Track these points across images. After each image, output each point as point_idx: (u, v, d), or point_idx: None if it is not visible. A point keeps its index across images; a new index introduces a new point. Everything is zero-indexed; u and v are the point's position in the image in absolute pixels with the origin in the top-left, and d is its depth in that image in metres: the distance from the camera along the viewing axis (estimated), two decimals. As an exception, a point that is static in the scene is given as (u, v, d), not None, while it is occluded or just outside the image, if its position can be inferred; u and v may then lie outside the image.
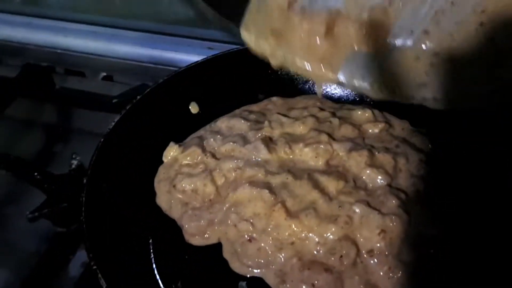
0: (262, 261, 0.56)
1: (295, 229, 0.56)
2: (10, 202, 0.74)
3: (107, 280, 0.48)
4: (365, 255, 0.54)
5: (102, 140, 0.61)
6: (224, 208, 0.60)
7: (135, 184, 0.63)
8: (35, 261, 0.65)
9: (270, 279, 0.55)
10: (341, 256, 0.54)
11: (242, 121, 0.69)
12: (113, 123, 0.63)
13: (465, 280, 0.53)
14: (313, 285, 0.53)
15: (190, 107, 0.73)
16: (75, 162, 0.70)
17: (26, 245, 0.69)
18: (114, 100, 0.80)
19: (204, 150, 0.66)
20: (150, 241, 0.60)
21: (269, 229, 0.57)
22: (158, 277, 0.57)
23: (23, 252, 0.68)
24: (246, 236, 0.57)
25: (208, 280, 0.56)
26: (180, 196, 0.63)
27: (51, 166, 0.76)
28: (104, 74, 0.92)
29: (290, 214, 0.57)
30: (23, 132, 0.86)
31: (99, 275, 0.48)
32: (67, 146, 0.82)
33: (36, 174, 0.68)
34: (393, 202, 0.57)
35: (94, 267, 0.49)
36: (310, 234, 0.56)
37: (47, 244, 0.67)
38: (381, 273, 0.53)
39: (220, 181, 0.62)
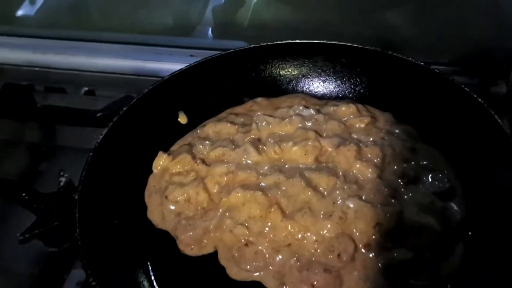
0: (259, 264, 0.55)
1: (291, 230, 0.56)
2: (-1, 225, 0.72)
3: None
4: (362, 250, 0.55)
5: (91, 154, 0.60)
6: (218, 214, 0.60)
7: (127, 198, 0.63)
8: (30, 283, 0.64)
9: (269, 283, 0.55)
10: (339, 254, 0.54)
11: (229, 125, 0.69)
12: (101, 136, 0.62)
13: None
14: (312, 285, 0.53)
15: (179, 118, 0.73)
16: (63, 180, 0.68)
17: (19, 268, 0.67)
18: (98, 114, 0.79)
19: (194, 157, 0.66)
20: (146, 255, 0.59)
21: (265, 231, 0.57)
22: (157, 288, 0.56)
23: (16, 275, 0.67)
24: (242, 240, 0.57)
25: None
26: (173, 207, 0.62)
27: (38, 186, 0.75)
28: (86, 89, 0.91)
29: (286, 215, 0.57)
30: (7, 153, 0.84)
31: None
32: (53, 164, 0.81)
33: (24, 194, 0.67)
34: (384, 194, 0.58)
35: (93, 283, 0.48)
36: (307, 234, 0.56)
37: (40, 265, 0.65)
38: (380, 266, 0.54)
39: (213, 188, 0.62)
